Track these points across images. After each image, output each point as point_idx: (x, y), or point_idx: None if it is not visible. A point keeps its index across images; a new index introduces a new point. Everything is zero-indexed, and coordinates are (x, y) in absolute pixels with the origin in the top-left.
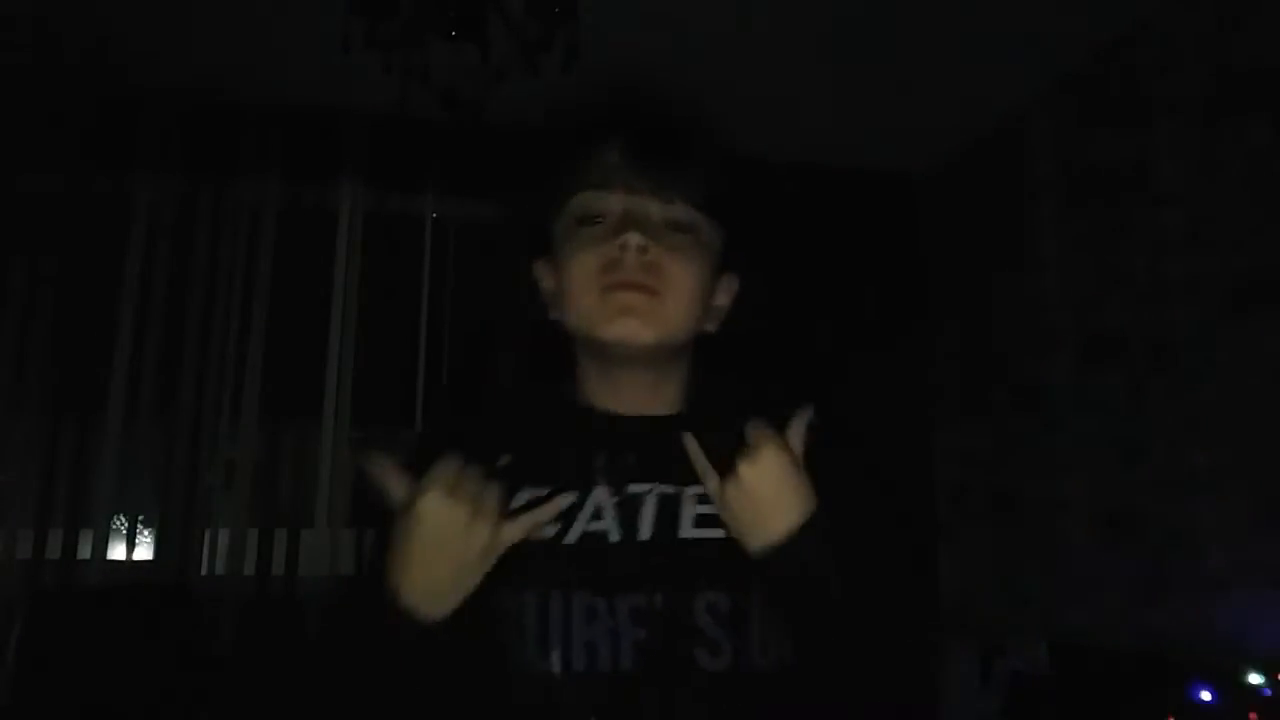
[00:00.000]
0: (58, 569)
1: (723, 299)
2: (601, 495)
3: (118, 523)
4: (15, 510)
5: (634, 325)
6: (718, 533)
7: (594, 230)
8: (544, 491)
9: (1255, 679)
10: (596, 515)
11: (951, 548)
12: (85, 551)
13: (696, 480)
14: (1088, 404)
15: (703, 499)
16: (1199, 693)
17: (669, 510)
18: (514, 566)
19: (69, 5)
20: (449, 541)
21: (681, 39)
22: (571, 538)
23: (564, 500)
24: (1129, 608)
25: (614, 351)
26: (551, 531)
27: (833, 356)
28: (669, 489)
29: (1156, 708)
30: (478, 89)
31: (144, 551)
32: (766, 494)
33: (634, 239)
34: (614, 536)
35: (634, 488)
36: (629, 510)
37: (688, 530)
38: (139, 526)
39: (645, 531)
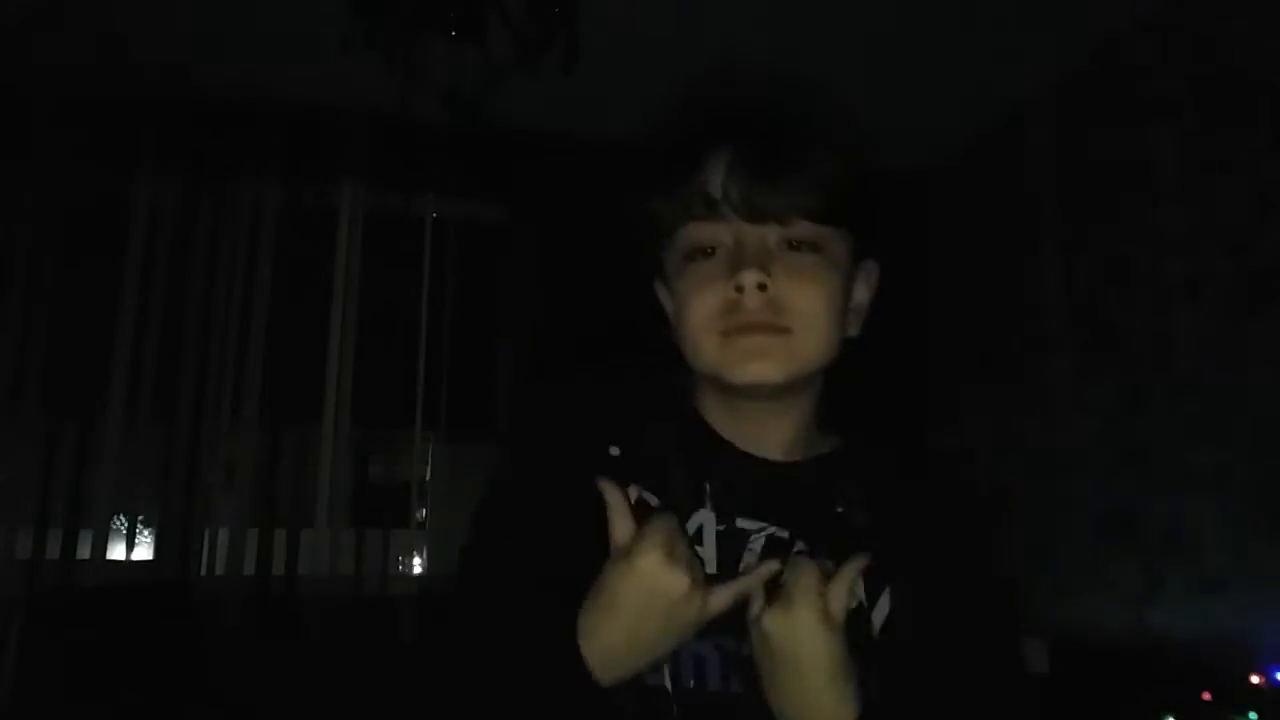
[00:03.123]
0: (57, 569)
1: (862, 296)
2: (706, 519)
3: (118, 523)
4: (15, 510)
5: (765, 368)
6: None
7: (706, 266)
8: (650, 496)
9: (1255, 679)
10: (697, 539)
11: None
12: (85, 551)
13: (812, 531)
14: (1088, 404)
15: (807, 552)
16: (1199, 693)
17: (777, 555)
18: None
19: (69, 6)
20: (665, 609)
21: (682, 38)
22: None
23: (769, 567)
24: (1129, 608)
25: (744, 393)
26: None
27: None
28: (782, 534)
29: (1156, 708)
30: (478, 89)
31: (144, 551)
32: (797, 671)
33: (751, 278)
34: (712, 568)
35: (743, 522)
36: (734, 544)
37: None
38: (139, 526)
39: (746, 569)
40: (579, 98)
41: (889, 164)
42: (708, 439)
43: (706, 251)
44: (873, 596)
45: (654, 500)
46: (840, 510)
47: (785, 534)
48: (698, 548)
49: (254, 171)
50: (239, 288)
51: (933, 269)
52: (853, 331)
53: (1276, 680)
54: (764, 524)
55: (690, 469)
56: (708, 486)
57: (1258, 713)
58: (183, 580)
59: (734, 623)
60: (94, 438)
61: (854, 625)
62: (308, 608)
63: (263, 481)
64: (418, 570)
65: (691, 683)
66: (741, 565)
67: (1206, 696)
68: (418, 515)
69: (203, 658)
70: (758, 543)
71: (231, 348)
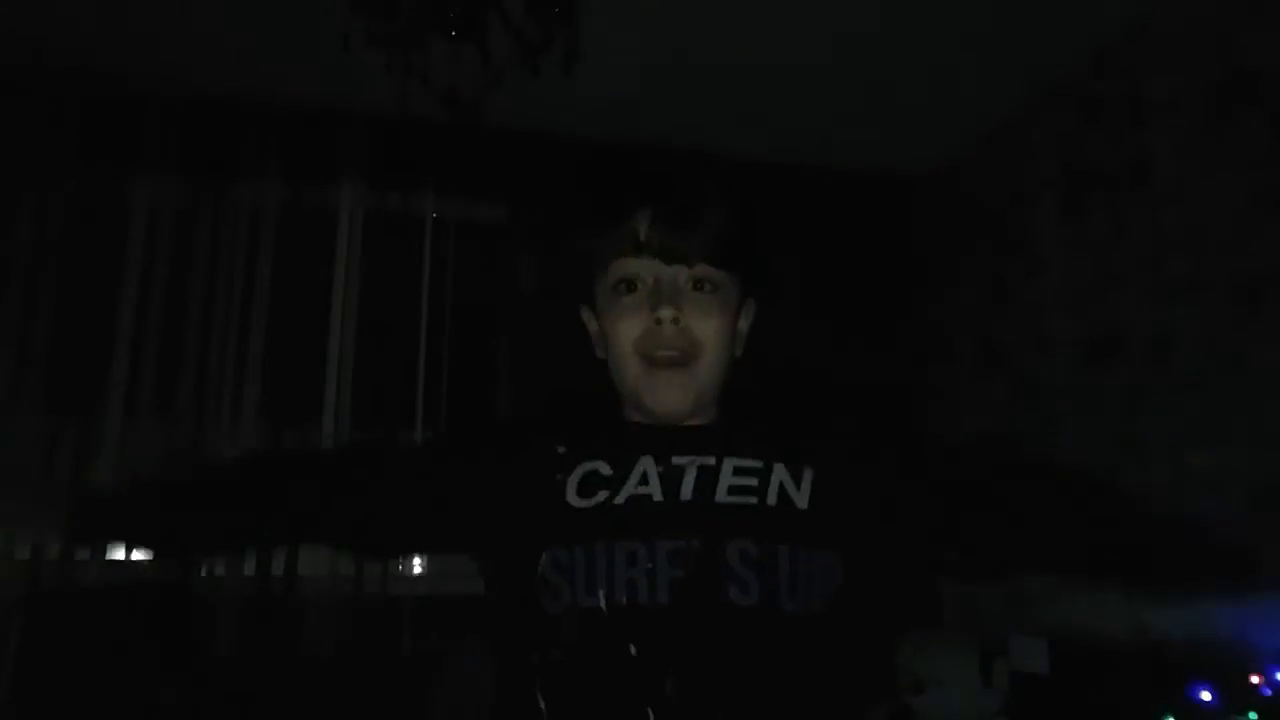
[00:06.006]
0: (57, 569)
1: (743, 325)
2: (648, 463)
3: None
4: (15, 510)
5: (676, 397)
6: (750, 499)
7: (630, 299)
8: (599, 464)
9: (1255, 679)
10: (643, 481)
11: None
12: (85, 551)
13: (732, 454)
14: (1088, 404)
15: (738, 470)
16: (1199, 693)
17: (708, 479)
18: (570, 526)
19: (69, 5)
20: None
21: (681, 39)
22: (620, 499)
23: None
24: (1129, 608)
25: (659, 415)
26: (604, 496)
27: (832, 357)
28: (709, 461)
29: (1156, 708)
30: (478, 89)
31: (144, 551)
32: None
33: (667, 313)
34: (657, 497)
35: (677, 459)
36: (672, 477)
37: (723, 497)
38: None
39: (686, 494)
40: (579, 98)
41: (889, 164)
42: (638, 425)
43: (631, 286)
44: (796, 479)
45: (606, 468)
46: (751, 429)
47: (711, 460)
48: (645, 486)
49: (254, 171)
50: (239, 288)
51: (933, 269)
52: (737, 353)
53: (1277, 680)
54: (694, 457)
55: (627, 436)
56: (645, 446)
57: (1258, 713)
58: (183, 580)
59: (658, 541)
60: (94, 437)
61: (783, 508)
62: (308, 608)
63: None
64: (418, 570)
65: (624, 600)
66: (680, 489)
67: (1206, 696)
68: None
69: (203, 658)
70: (691, 472)
71: (231, 348)
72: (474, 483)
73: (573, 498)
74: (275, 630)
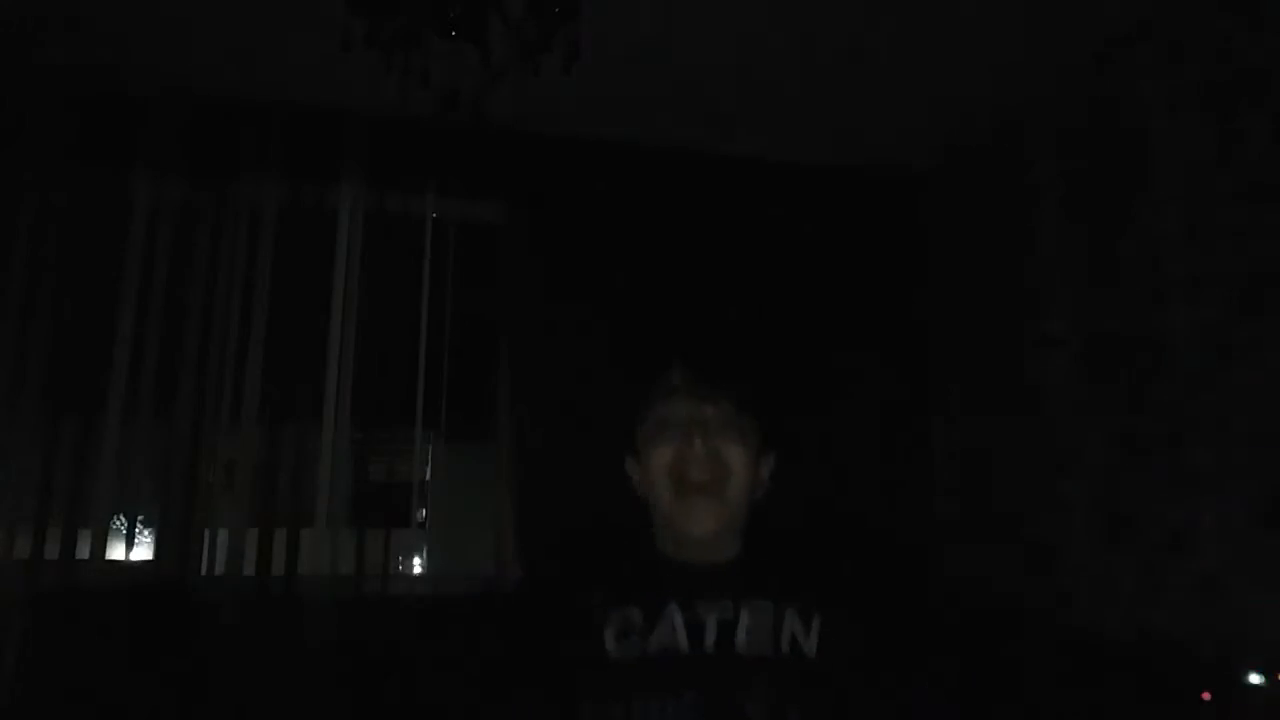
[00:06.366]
0: (57, 569)
1: (764, 472)
2: (674, 613)
3: (117, 523)
4: (15, 510)
5: (706, 521)
6: (765, 649)
7: (668, 431)
8: (632, 611)
9: (1255, 679)
10: (671, 630)
11: (952, 548)
12: (85, 551)
13: (749, 597)
14: (1088, 404)
15: (754, 614)
16: (1199, 693)
17: (727, 630)
18: (608, 679)
19: (71, 5)
20: None
21: (682, 38)
22: (651, 648)
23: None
24: (1129, 608)
25: (691, 540)
26: (636, 645)
27: (832, 356)
28: (727, 612)
29: (1156, 708)
30: (478, 89)
31: (144, 551)
32: None
33: (698, 438)
34: (684, 647)
35: (701, 606)
36: (695, 627)
37: (741, 645)
38: (139, 526)
39: (709, 645)
40: (579, 98)
41: (891, 162)
42: (667, 562)
43: (667, 423)
44: (806, 625)
45: (638, 615)
46: (767, 570)
47: (730, 614)
48: (672, 635)
49: (254, 171)
50: (239, 287)
51: (934, 268)
52: (758, 495)
53: (1276, 680)
54: (714, 610)
55: (658, 585)
56: (669, 590)
57: (1258, 713)
58: (183, 580)
59: (685, 693)
60: (94, 437)
61: (794, 655)
62: (308, 608)
63: (263, 481)
64: (418, 570)
65: None
66: (704, 639)
67: (1206, 697)
68: (418, 515)
69: (203, 658)
70: (712, 625)
71: (231, 348)
72: (523, 653)
73: (610, 645)
74: (275, 630)
